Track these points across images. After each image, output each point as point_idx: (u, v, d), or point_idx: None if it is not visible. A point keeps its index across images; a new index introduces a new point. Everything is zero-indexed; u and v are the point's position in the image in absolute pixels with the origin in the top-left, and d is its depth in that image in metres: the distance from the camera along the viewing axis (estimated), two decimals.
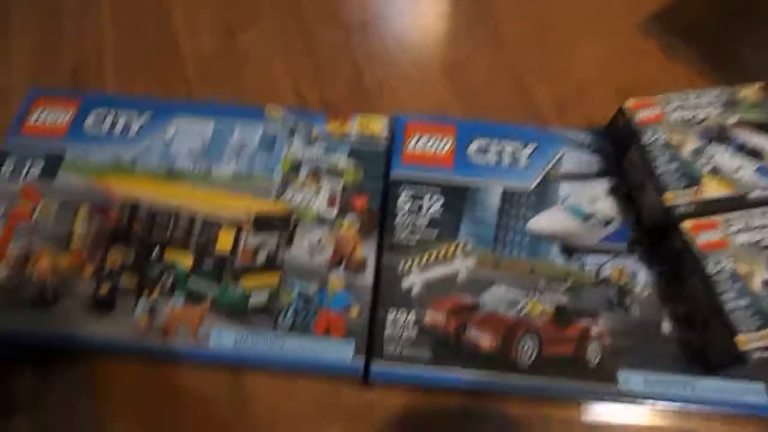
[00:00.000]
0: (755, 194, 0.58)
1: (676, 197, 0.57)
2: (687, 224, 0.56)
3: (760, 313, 0.51)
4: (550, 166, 0.65)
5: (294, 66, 0.77)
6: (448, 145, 0.66)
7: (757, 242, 0.55)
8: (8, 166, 0.65)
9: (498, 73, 0.76)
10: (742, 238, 0.55)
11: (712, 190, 0.58)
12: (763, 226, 0.56)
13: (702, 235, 0.55)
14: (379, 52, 0.78)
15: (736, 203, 0.57)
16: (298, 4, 0.82)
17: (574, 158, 0.66)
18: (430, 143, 0.66)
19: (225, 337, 0.56)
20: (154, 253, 0.61)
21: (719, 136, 0.61)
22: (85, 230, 0.62)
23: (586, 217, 0.62)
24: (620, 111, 0.63)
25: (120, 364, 0.57)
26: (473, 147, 0.66)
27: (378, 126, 0.68)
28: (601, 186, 0.64)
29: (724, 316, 0.51)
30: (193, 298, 0.58)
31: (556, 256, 0.60)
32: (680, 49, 0.77)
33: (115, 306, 0.57)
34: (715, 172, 0.59)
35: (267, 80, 0.76)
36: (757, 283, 0.53)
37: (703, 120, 0.62)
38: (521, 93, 0.74)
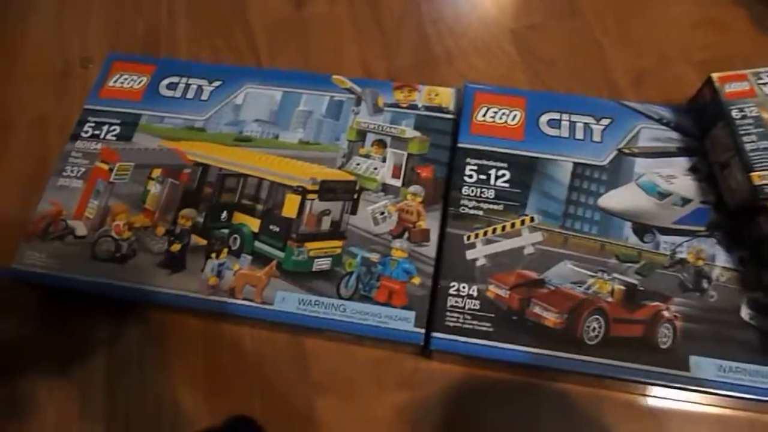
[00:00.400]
0: None
1: (765, 177, 0.53)
2: None
3: None
4: (625, 141, 0.62)
5: (361, 34, 0.76)
6: (518, 117, 0.64)
7: None
8: (89, 128, 0.68)
9: (572, 42, 0.73)
10: None
11: None
12: None
13: None
14: (447, 20, 0.76)
15: None
16: None
17: (651, 134, 0.62)
18: (499, 114, 0.64)
19: (288, 300, 0.57)
20: (222, 215, 0.62)
21: None
22: (159, 191, 0.64)
23: (662, 196, 0.59)
24: (707, 83, 0.59)
25: (188, 319, 0.60)
26: (544, 119, 0.64)
27: (445, 95, 0.66)
28: (680, 164, 0.61)
29: None
30: (259, 260, 0.59)
31: (628, 235, 0.58)
32: None
33: (185, 265, 0.59)
34: None
35: (334, 48, 0.75)
36: None
37: None
38: (596, 64, 0.71)
